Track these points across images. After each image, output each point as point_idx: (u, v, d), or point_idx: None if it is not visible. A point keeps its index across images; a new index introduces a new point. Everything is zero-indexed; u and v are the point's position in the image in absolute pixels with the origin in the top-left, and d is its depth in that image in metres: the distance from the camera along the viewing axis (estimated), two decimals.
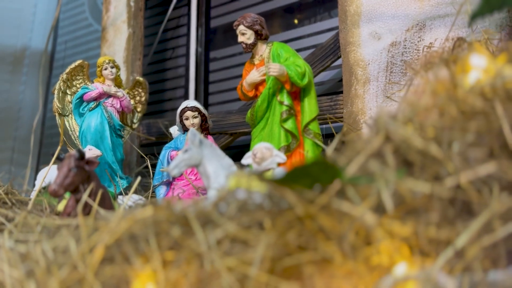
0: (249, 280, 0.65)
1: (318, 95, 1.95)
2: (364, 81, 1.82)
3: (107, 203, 1.25)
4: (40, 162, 3.26)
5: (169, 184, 1.75)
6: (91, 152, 1.73)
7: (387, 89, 1.76)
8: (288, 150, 1.59)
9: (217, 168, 1.21)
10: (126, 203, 1.10)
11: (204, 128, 1.77)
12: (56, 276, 0.76)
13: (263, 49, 1.69)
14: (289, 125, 1.60)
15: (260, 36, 1.68)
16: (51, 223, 1.02)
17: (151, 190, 1.77)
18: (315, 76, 2.01)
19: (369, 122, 0.77)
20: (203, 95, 2.68)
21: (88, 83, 2.04)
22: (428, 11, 1.71)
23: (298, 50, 2.27)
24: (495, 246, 0.58)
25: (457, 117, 0.69)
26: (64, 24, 3.52)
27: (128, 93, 2.12)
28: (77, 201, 1.19)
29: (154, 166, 1.87)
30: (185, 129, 1.76)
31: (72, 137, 2.00)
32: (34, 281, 0.77)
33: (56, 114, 2.00)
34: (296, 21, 2.44)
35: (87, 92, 1.92)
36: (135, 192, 1.87)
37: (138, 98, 2.21)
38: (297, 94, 1.65)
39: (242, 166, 1.36)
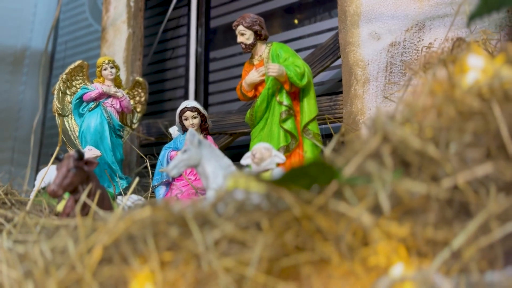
0: (246, 281, 0.65)
1: (318, 95, 1.95)
2: (363, 81, 1.82)
3: (106, 203, 1.25)
4: (40, 163, 3.26)
5: (168, 184, 1.75)
6: (90, 152, 1.73)
7: (386, 89, 1.76)
8: (287, 150, 1.59)
9: (216, 169, 1.21)
10: (124, 203, 1.10)
11: (203, 128, 1.77)
12: (54, 277, 0.76)
13: (262, 50, 1.69)
14: (288, 125, 1.60)
15: (259, 37, 1.68)
16: (50, 224, 1.02)
17: (150, 191, 1.77)
18: (315, 76, 2.01)
19: (367, 122, 0.77)
20: (203, 95, 2.68)
21: (87, 83, 2.04)
22: (428, 11, 1.71)
23: (298, 50, 2.27)
24: (492, 247, 0.58)
25: (455, 118, 0.69)
26: (64, 24, 3.52)
27: (127, 93, 2.12)
28: (76, 201, 1.19)
29: (153, 166, 1.87)
30: (184, 129, 1.76)
31: (72, 138, 2.00)
32: (32, 282, 0.77)
33: (56, 114, 2.00)
34: (296, 21, 2.44)
35: (87, 93, 1.93)
36: (135, 192, 1.88)
37: (137, 98, 2.21)
38: (297, 94, 1.65)
39: (241, 167, 1.36)
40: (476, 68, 0.75)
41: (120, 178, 1.91)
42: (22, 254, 0.84)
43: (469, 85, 0.73)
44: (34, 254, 0.81)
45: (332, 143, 0.85)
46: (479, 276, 0.56)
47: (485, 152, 0.64)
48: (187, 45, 2.79)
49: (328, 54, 2.01)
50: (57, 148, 1.67)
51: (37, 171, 2.95)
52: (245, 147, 1.57)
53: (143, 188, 2.06)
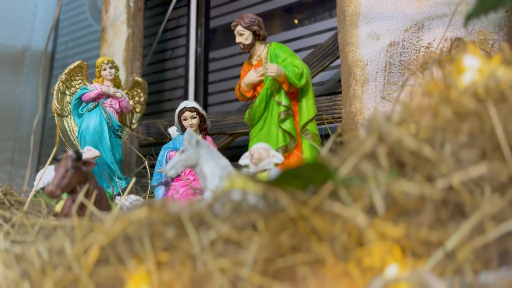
0: (242, 281, 0.65)
1: (317, 96, 1.95)
2: (362, 82, 1.82)
3: (105, 204, 1.25)
4: (40, 163, 3.26)
5: (167, 184, 1.75)
6: (90, 152, 1.74)
7: (385, 90, 1.76)
8: (286, 150, 1.59)
9: (214, 169, 1.21)
10: (121, 204, 1.11)
11: (202, 128, 1.77)
12: (51, 277, 0.76)
13: (261, 50, 1.69)
14: (286, 125, 1.60)
15: (258, 37, 1.68)
16: (47, 224, 1.02)
17: (148, 191, 1.78)
18: (314, 76, 2.01)
19: (364, 123, 0.77)
20: (203, 96, 2.68)
21: (87, 83, 2.04)
22: (427, 11, 1.71)
23: (298, 50, 2.27)
24: (487, 248, 0.58)
25: (451, 118, 0.69)
26: (65, 25, 3.53)
27: (127, 93, 2.12)
28: (75, 201, 1.20)
29: (153, 166, 1.87)
30: (183, 130, 1.76)
31: (71, 138, 2.00)
32: (28, 282, 0.77)
33: (55, 114, 2.00)
34: (296, 21, 2.44)
35: (86, 93, 1.93)
36: (134, 192, 1.88)
37: (137, 98, 2.21)
38: (295, 94, 1.65)
39: (240, 167, 1.36)
40: (472, 68, 0.75)
41: (119, 178, 1.91)
42: (19, 254, 0.84)
43: (465, 86, 0.73)
44: (30, 255, 0.81)
45: (328, 144, 0.85)
46: (474, 277, 0.56)
47: (480, 153, 0.64)
48: (187, 45, 2.79)
49: (328, 54, 2.01)
50: (55, 149, 1.67)
51: (37, 171, 2.95)
52: (245, 147, 1.57)
53: (143, 189, 2.06)
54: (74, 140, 1.99)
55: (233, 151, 2.39)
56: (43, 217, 1.26)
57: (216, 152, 1.26)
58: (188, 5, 2.80)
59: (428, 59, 1.05)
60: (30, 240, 0.93)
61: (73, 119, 1.97)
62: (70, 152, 1.20)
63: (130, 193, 1.73)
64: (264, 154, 1.31)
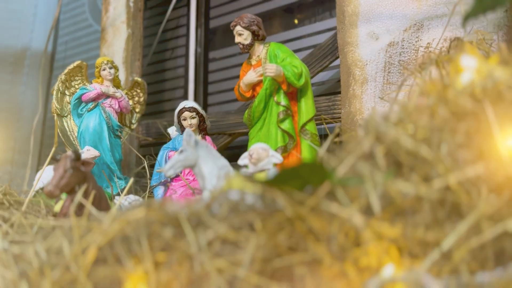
0: (239, 281, 0.65)
1: (317, 96, 1.95)
2: (362, 82, 1.82)
3: (104, 204, 1.25)
4: (41, 163, 3.27)
5: (166, 184, 1.75)
6: (89, 152, 1.74)
7: (385, 90, 1.76)
8: (285, 150, 1.59)
9: (212, 169, 1.21)
10: (119, 204, 1.11)
11: (202, 128, 1.77)
12: (49, 277, 0.76)
13: (260, 50, 1.69)
14: (285, 125, 1.60)
15: (257, 37, 1.68)
16: (46, 224, 1.03)
17: (147, 191, 1.78)
18: (313, 76, 2.01)
19: (361, 123, 0.77)
20: (203, 96, 2.68)
21: (86, 83, 2.04)
22: (426, 11, 1.71)
23: (298, 50, 2.27)
24: (483, 248, 0.58)
25: (448, 118, 0.69)
26: (65, 25, 3.53)
27: (126, 93, 2.12)
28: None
29: (152, 166, 1.88)
30: (183, 130, 1.76)
31: (71, 138, 2.01)
32: (26, 282, 0.77)
33: (55, 114, 2.01)
34: (296, 21, 2.44)
35: (86, 93, 1.93)
36: (134, 192, 1.88)
37: (136, 98, 2.21)
38: (294, 94, 1.65)
39: (239, 167, 1.36)
40: (470, 68, 0.75)
41: (119, 178, 1.91)
42: (17, 254, 0.84)
43: (463, 86, 0.73)
44: (29, 255, 0.81)
45: (326, 144, 0.85)
46: (470, 277, 0.56)
47: (477, 153, 0.64)
48: (187, 45, 2.79)
49: (327, 54, 2.01)
50: (53, 149, 1.67)
51: (37, 171, 2.95)
52: (245, 147, 1.57)
53: (143, 189, 2.06)
54: (74, 140, 1.99)
55: (233, 151, 2.39)
56: (41, 217, 1.26)
57: (215, 152, 1.26)
58: (188, 5, 2.80)
59: (427, 59, 1.05)
60: (28, 240, 0.93)
61: (73, 119, 1.97)
62: (69, 152, 1.20)
63: (129, 193, 1.73)
64: (263, 154, 1.31)
